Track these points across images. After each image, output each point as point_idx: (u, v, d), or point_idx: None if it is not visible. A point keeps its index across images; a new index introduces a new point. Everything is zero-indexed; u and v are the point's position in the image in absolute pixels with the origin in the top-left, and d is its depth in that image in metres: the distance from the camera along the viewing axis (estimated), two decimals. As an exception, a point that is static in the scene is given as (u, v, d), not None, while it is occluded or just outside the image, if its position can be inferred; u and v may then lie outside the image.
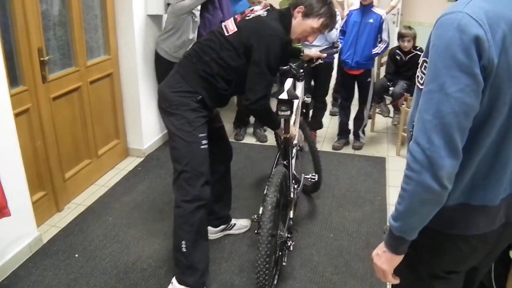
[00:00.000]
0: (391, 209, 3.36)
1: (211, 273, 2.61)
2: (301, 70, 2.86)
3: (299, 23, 2.38)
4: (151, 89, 4.18)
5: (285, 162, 2.72)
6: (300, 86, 2.94)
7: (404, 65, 4.52)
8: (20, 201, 2.69)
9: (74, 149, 3.44)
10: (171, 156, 2.41)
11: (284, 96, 2.57)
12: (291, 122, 2.74)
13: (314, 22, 2.37)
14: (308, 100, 3.20)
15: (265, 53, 2.24)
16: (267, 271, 2.22)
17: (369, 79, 4.28)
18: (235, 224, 3.05)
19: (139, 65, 3.93)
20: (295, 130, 2.86)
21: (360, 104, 4.44)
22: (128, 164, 4.05)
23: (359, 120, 4.48)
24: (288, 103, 2.58)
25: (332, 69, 4.38)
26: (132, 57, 3.88)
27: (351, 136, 4.61)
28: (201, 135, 2.34)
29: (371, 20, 4.02)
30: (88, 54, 3.48)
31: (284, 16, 2.38)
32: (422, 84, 1.16)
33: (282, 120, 2.58)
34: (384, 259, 1.27)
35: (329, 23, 2.42)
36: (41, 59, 2.92)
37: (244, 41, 2.29)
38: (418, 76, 1.19)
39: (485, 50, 1.03)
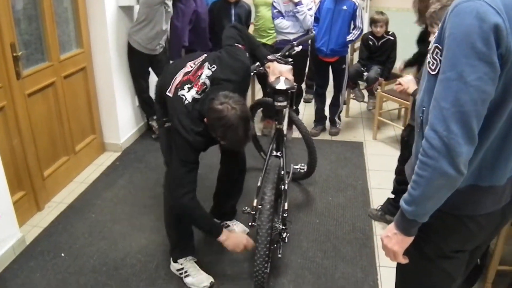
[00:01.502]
0: (373, 192, 3.43)
1: (203, 265, 2.60)
2: (290, 59, 2.83)
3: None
4: (125, 82, 4.10)
5: (278, 153, 2.71)
6: None
7: (377, 50, 4.59)
8: (1, 202, 2.61)
9: (51, 146, 3.34)
10: None
11: (281, 86, 2.46)
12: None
13: (214, 134, 2.13)
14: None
15: (175, 148, 2.20)
16: (265, 270, 2.24)
17: (344, 66, 4.31)
18: (228, 226, 2.96)
19: (112, 57, 3.84)
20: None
21: (335, 91, 4.47)
22: (106, 160, 3.98)
23: (335, 106, 4.52)
24: (285, 94, 2.49)
25: (307, 56, 4.39)
26: (105, 50, 3.79)
27: (327, 122, 4.65)
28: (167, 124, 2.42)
29: (344, 7, 4.02)
30: (60, 48, 3.37)
31: (203, 114, 2.14)
32: (433, 70, 1.17)
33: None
34: (395, 241, 1.30)
35: (226, 143, 2.16)
36: (14, 54, 2.81)
37: None
38: (429, 62, 1.20)
39: (503, 38, 1.05)
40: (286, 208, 2.54)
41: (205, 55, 2.40)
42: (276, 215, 2.56)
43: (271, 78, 2.56)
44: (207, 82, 2.23)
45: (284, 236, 2.52)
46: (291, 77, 2.59)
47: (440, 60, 1.16)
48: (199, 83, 2.23)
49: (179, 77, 2.30)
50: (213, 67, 2.27)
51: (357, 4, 4.02)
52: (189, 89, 2.22)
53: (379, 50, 4.57)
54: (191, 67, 2.33)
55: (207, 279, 2.52)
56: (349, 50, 4.46)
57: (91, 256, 2.73)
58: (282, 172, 2.67)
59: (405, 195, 1.23)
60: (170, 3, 3.98)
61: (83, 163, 3.80)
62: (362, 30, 4.12)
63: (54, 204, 3.29)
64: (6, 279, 2.54)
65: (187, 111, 2.16)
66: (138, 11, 3.91)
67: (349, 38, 4.10)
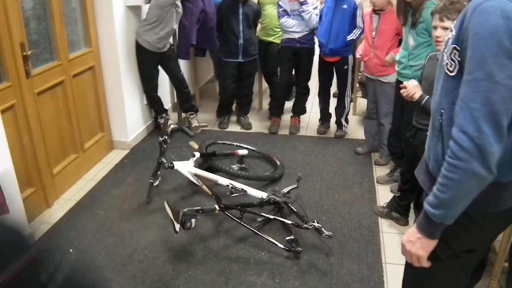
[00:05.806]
0: (379, 189, 3.44)
1: (213, 251, 2.62)
2: None
3: None
4: (133, 80, 4.14)
5: None
6: None
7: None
8: (11, 199, 2.64)
9: (60, 144, 3.39)
10: None
11: None
12: None
13: None
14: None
15: None
16: None
17: (346, 67, 4.22)
18: None
19: (120, 56, 3.88)
20: None
21: (339, 92, 4.42)
22: (114, 157, 4.02)
23: (340, 108, 4.44)
24: None
25: (313, 54, 4.38)
26: (114, 49, 3.83)
27: (333, 121, 4.64)
28: None
29: (344, 6, 3.96)
30: (69, 48, 3.41)
31: None
32: (451, 72, 1.17)
33: None
34: (420, 245, 1.29)
35: None
36: (24, 54, 2.86)
37: None
38: (447, 64, 1.20)
39: None
40: None
41: None
42: None
43: None
44: None
45: None
46: None
47: (458, 61, 1.16)
48: None
49: None
50: None
51: (357, 3, 3.95)
52: None
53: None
54: None
55: None
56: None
57: (99, 252, 2.77)
58: None
59: (431, 199, 1.22)
60: (179, 3, 4.01)
61: (92, 161, 3.84)
62: (362, 30, 4.05)
63: (63, 201, 3.33)
64: (16, 274, 2.58)
65: None
66: (147, 12, 3.94)
67: (349, 37, 4.02)
